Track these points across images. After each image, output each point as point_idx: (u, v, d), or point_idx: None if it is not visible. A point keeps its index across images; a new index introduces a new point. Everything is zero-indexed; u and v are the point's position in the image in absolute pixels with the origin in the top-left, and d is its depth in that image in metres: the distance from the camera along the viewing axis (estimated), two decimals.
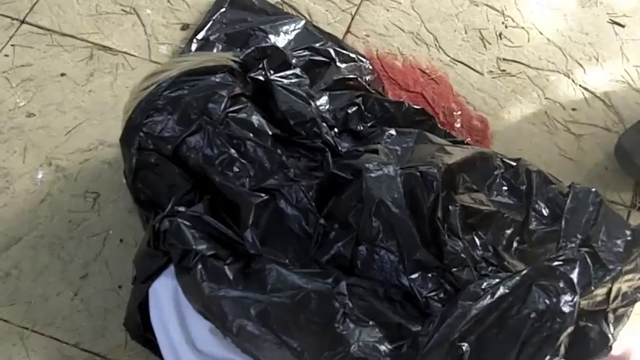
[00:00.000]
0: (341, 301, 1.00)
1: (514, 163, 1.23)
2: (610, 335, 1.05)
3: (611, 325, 1.07)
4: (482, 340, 0.93)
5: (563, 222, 1.16)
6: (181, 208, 1.10)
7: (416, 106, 1.37)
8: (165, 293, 1.06)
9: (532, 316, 0.94)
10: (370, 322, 0.99)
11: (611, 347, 1.05)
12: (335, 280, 1.03)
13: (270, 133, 1.16)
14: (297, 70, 1.28)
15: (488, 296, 0.97)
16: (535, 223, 1.18)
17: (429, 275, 1.08)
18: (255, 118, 1.17)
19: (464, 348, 0.92)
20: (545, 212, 1.20)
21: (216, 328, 0.99)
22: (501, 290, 0.97)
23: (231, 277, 1.02)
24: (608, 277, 1.03)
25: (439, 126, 1.38)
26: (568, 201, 1.18)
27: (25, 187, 1.36)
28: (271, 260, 1.05)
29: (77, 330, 1.23)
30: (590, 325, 1.05)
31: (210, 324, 1.01)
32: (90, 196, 1.35)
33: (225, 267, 1.04)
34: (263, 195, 1.11)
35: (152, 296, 1.07)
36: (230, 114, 1.16)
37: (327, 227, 1.11)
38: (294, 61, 1.32)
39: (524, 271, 1.00)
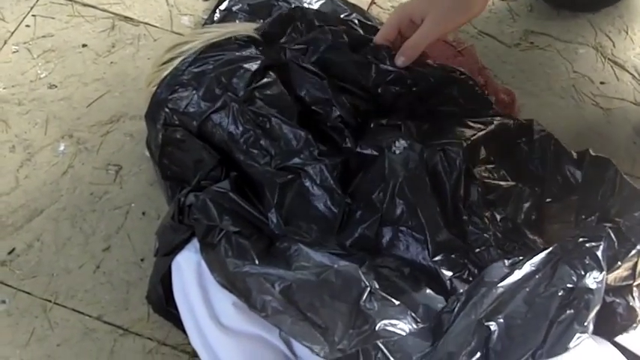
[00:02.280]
0: (367, 279, 0.99)
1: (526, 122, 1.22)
2: (638, 309, 1.04)
3: (637, 299, 1.06)
4: (510, 319, 0.91)
5: (579, 194, 1.14)
6: (207, 184, 1.09)
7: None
8: (188, 267, 1.05)
9: (560, 294, 0.92)
10: (396, 302, 0.98)
11: (638, 319, 1.04)
12: (361, 258, 1.02)
13: (297, 110, 1.14)
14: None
15: (514, 274, 0.95)
16: (551, 196, 1.16)
17: (453, 256, 1.07)
18: (282, 95, 1.15)
19: (492, 327, 0.91)
20: (561, 182, 1.17)
21: (242, 302, 0.98)
22: (527, 268, 0.96)
23: (255, 255, 1.02)
24: (633, 252, 1.02)
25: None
26: (583, 172, 1.16)
27: (47, 160, 1.35)
28: (296, 240, 1.04)
29: (99, 303, 1.22)
30: (618, 300, 1.03)
31: (234, 298, 1.00)
32: (112, 168, 1.35)
33: (250, 244, 1.03)
34: (287, 174, 1.09)
35: (175, 270, 1.06)
36: (255, 90, 1.14)
37: (353, 206, 1.09)
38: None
39: (550, 249, 0.98)
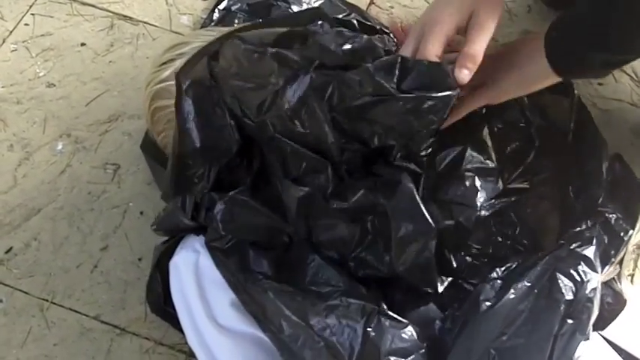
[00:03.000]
0: (375, 300, 0.98)
1: None
2: (624, 293, 1.04)
3: (618, 282, 1.06)
4: (514, 340, 0.90)
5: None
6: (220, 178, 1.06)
7: None
8: (186, 267, 1.05)
9: (562, 308, 0.92)
10: (403, 320, 0.97)
11: (625, 302, 1.04)
12: (369, 281, 1.02)
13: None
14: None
15: (511, 291, 0.94)
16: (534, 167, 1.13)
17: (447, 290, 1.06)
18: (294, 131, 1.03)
19: (497, 351, 0.90)
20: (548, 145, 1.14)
21: (258, 322, 0.97)
22: (524, 284, 0.95)
23: (271, 266, 1.01)
24: (622, 247, 1.02)
25: None
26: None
27: (45, 158, 1.36)
28: (313, 251, 1.03)
29: (97, 302, 1.23)
30: (606, 292, 1.04)
31: (231, 298, 1.00)
32: (110, 167, 1.35)
33: (266, 254, 1.01)
34: (305, 188, 1.03)
35: (173, 270, 1.07)
36: (266, 117, 1.03)
37: (371, 234, 1.05)
38: None
39: (544, 260, 0.97)
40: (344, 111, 0.97)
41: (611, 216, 1.04)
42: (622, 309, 1.04)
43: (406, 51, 1.01)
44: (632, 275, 1.24)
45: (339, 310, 0.96)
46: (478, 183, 1.07)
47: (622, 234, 1.03)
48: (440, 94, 0.94)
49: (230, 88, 1.03)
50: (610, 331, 1.03)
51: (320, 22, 1.03)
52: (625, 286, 1.07)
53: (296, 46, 1.00)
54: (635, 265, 1.24)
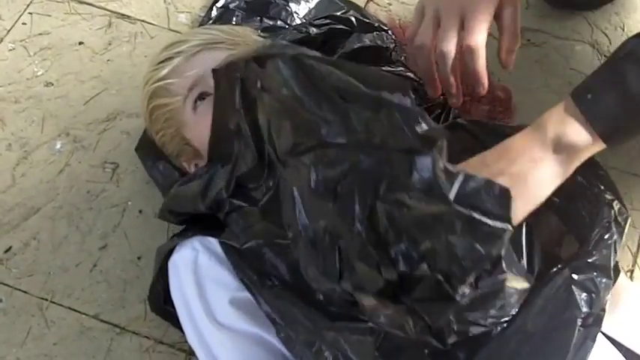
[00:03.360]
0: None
1: None
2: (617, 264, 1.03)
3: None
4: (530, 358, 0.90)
5: None
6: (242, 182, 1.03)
7: None
8: (185, 265, 1.05)
9: (578, 322, 0.89)
10: (411, 339, 0.95)
11: (619, 273, 1.03)
12: None
13: None
14: None
15: (526, 310, 0.91)
16: None
17: None
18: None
19: None
20: None
21: (273, 324, 0.97)
22: (540, 300, 0.92)
23: (286, 271, 1.00)
24: (623, 233, 1.00)
25: None
26: None
27: (44, 158, 1.36)
28: None
29: (96, 301, 1.23)
30: None
31: (230, 296, 1.00)
32: (109, 166, 1.34)
33: (282, 260, 1.01)
34: None
35: (172, 268, 1.07)
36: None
37: None
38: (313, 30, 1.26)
39: (560, 274, 0.93)
40: (388, 205, 0.82)
41: (614, 204, 1.01)
42: (614, 282, 1.03)
43: (447, 36, 1.03)
44: (632, 271, 1.25)
45: (349, 329, 0.94)
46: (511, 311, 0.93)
47: (622, 222, 1.00)
48: (500, 225, 0.77)
49: (267, 102, 0.93)
50: (610, 328, 1.03)
51: (400, 93, 0.85)
52: (624, 282, 1.07)
53: (368, 113, 0.85)
54: (635, 262, 1.25)
